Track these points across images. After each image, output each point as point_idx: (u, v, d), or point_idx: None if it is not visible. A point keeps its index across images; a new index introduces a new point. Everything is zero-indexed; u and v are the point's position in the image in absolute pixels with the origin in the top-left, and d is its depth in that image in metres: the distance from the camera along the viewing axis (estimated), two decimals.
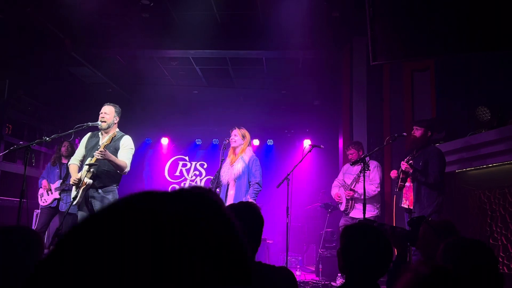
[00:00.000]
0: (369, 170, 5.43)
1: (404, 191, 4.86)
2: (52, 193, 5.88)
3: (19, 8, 6.08)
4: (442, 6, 3.17)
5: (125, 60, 8.04)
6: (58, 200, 5.85)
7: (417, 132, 4.79)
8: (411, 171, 4.62)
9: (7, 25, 6.52)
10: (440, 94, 5.94)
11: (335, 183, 5.88)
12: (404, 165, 4.63)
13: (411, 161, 4.60)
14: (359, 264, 1.81)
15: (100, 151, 4.17)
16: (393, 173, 5.00)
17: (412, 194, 4.77)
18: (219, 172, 4.92)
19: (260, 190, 4.79)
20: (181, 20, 6.58)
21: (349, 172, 5.72)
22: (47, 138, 5.04)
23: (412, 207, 4.73)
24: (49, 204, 5.86)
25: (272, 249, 7.58)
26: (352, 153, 5.66)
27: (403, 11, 3.46)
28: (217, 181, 4.93)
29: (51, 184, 5.91)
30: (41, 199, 5.90)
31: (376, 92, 6.65)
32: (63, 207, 5.78)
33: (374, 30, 3.51)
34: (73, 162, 4.57)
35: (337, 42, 6.90)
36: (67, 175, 5.82)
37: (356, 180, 5.46)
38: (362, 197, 5.09)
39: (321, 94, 8.87)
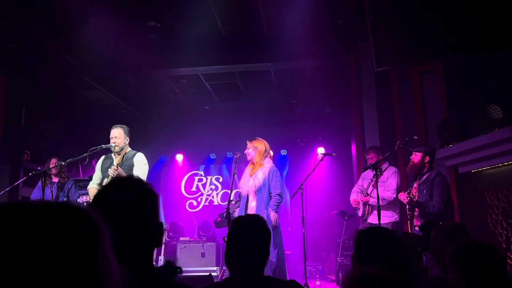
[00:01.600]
0: (382, 174, 5.40)
1: (415, 217, 4.83)
2: None
3: (30, 37, 6.27)
4: (442, 7, 3.17)
5: (136, 81, 8.19)
6: None
7: (415, 157, 4.79)
8: (412, 205, 4.61)
9: (20, 54, 6.73)
10: (450, 94, 5.90)
11: (355, 188, 5.87)
12: (405, 200, 4.63)
13: (412, 195, 4.57)
14: None
15: (114, 169, 4.27)
16: (402, 196, 4.98)
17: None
18: (232, 188, 4.93)
19: (281, 202, 4.77)
20: (188, 38, 6.69)
21: (366, 178, 5.70)
22: (63, 163, 5.17)
23: None
24: None
25: (291, 260, 7.55)
26: (372, 157, 5.64)
27: (404, 15, 3.47)
28: (231, 198, 4.94)
29: None
30: None
31: (385, 96, 6.64)
32: None
33: (376, 36, 3.53)
34: (92, 185, 4.67)
35: (343, 49, 6.92)
36: (58, 195, 5.84)
37: (373, 185, 5.44)
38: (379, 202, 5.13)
39: (331, 101, 8.88)
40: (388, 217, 5.39)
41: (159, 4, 5.79)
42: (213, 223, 7.34)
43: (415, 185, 4.76)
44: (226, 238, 2.07)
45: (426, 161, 4.72)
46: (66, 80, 7.51)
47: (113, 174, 4.29)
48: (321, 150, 9.07)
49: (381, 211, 5.22)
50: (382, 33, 3.55)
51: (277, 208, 4.68)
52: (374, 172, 5.05)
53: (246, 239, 1.98)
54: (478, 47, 3.07)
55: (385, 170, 5.57)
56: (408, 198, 4.56)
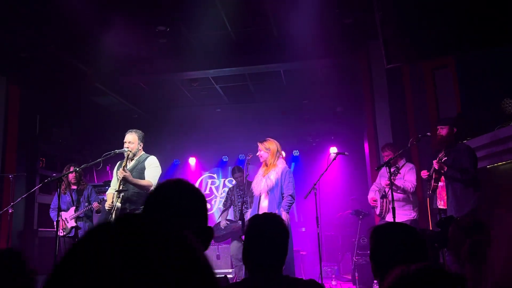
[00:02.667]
0: (398, 172, 5.36)
1: (438, 192, 4.76)
2: (68, 222, 5.79)
3: (42, 46, 6.36)
4: (448, 5, 3.15)
5: (147, 86, 8.25)
6: (76, 228, 5.78)
7: (443, 131, 4.73)
8: (445, 169, 4.53)
9: (32, 63, 6.83)
10: (463, 89, 5.83)
11: (373, 187, 5.84)
12: (437, 164, 4.56)
13: (444, 158, 4.51)
14: (391, 266, 1.73)
15: (121, 171, 4.34)
16: (424, 173, 4.93)
17: (446, 194, 4.66)
18: (245, 189, 4.93)
19: (293, 203, 4.76)
20: (198, 42, 6.72)
21: (383, 175, 5.66)
22: (77, 169, 5.23)
23: (446, 207, 4.62)
24: (67, 234, 5.74)
25: (307, 260, 7.53)
26: (388, 155, 5.61)
27: (412, 12, 3.45)
28: (230, 200, 4.93)
29: (64, 213, 5.79)
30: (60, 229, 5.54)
31: (397, 94, 6.58)
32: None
33: (385, 34, 3.51)
34: (110, 191, 4.71)
35: (353, 48, 6.89)
36: (79, 200, 5.89)
37: (388, 185, 5.40)
38: (399, 195, 5.22)
39: (343, 100, 8.83)
40: (405, 215, 5.34)
41: (168, 8, 5.82)
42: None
43: (439, 155, 4.70)
44: (243, 237, 2.07)
45: (454, 132, 4.68)
46: (78, 87, 7.60)
47: (120, 177, 4.36)
48: (333, 150, 9.04)
49: (399, 209, 5.22)
50: (391, 31, 3.54)
51: (289, 208, 4.68)
52: (393, 170, 5.06)
53: (263, 238, 1.98)
54: (481, 45, 3.05)
55: (402, 166, 5.53)
56: (439, 163, 4.49)
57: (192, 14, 5.97)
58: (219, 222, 6.58)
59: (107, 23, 5.90)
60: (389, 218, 5.40)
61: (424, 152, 6.05)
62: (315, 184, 5.25)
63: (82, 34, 6.13)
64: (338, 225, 8.33)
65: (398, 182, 5.38)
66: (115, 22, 5.90)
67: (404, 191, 5.39)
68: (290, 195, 4.70)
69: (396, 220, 5.24)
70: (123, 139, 4.73)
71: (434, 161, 4.61)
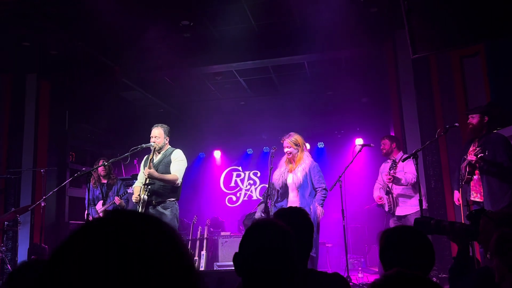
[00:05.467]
0: (396, 166, 5.23)
1: (472, 184, 4.61)
2: (97, 215, 5.95)
3: (70, 44, 6.51)
4: None
5: (172, 80, 8.34)
6: None
7: (473, 120, 4.57)
8: (481, 163, 4.36)
9: (61, 60, 7.01)
10: (493, 77, 5.66)
11: (376, 185, 5.73)
12: (473, 158, 4.39)
13: (480, 154, 4.33)
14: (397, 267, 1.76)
15: (147, 170, 4.43)
16: (456, 197, 4.79)
17: (481, 187, 4.50)
18: (270, 182, 4.92)
19: (326, 195, 4.74)
20: (221, 36, 6.75)
21: (384, 172, 5.56)
22: (106, 163, 5.35)
23: (483, 200, 4.47)
24: None
25: (332, 253, 7.51)
26: (385, 143, 5.52)
27: (437, 1, 3.37)
28: (269, 192, 4.93)
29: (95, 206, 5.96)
30: None
31: (424, 83, 6.44)
32: None
33: (411, 23, 3.44)
34: (137, 184, 4.81)
35: (378, 37, 6.77)
36: (107, 194, 6.03)
37: (390, 179, 5.28)
38: (404, 190, 5.18)
39: (368, 91, 8.71)
40: (414, 206, 5.18)
41: (192, 3, 5.86)
42: (243, 225, 7.26)
43: (471, 148, 4.53)
44: None
45: (485, 121, 4.50)
46: (106, 82, 7.76)
47: (145, 174, 4.46)
48: (359, 141, 8.95)
49: (407, 201, 5.15)
50: (417, 20, 3.46)
51: (323, 202, 4.66)
52: (390, 165, 5.05)
53: None
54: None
55: (400, 160, 5.39)
56: (475, 157, 4.30)
57: (216, 8, 6.00)
58: (255, 212, 6.62)
59: (133, 20, 5.99)
60: (398, 212, 5.30)
61: (452, 142, 5.92)
62: (340, 176, 5.22)
63: (109, 31, 6.24)
64: (365, 217, 8.27)
65: (399, 175, 5.25)
66: (141, 18, 5.98)
67: (406, 183, 5.25)
68: (324, 188, 4.69)
69: (405, 213, 5.19)
70: (150, 133, 4.81)
71: (469, 155, 4.45)
